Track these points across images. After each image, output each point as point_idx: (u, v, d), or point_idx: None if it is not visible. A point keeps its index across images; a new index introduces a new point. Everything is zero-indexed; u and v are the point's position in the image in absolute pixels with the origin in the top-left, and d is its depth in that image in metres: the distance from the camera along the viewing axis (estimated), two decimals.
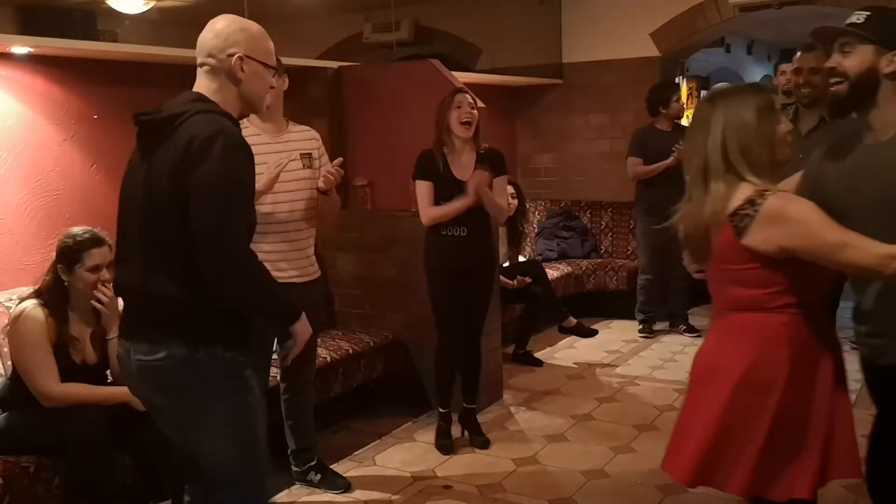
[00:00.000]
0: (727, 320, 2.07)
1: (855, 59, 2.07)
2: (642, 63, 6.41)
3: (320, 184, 3.18)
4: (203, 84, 2.13)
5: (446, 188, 3.65)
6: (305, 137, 3.28)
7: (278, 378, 3.43)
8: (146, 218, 2.03)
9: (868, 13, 2.08)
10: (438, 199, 3.67)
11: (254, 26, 2.16)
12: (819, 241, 1.86)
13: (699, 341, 5.84)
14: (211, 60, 2.11)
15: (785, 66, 5.54)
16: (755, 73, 11.43)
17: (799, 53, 3.57)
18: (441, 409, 3.93)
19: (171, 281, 1.99)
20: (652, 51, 6.42)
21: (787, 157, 2.02)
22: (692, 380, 2.16)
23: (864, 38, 2.06)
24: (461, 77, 4.75)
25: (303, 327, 2.21)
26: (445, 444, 3.87)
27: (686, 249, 2.13)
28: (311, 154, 3.27)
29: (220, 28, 2.13)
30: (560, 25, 6.72)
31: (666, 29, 6.37)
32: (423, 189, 3.69)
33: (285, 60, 3.39)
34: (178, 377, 2.04)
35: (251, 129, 3.13)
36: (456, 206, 3.61)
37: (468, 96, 3.70)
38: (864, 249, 1.83)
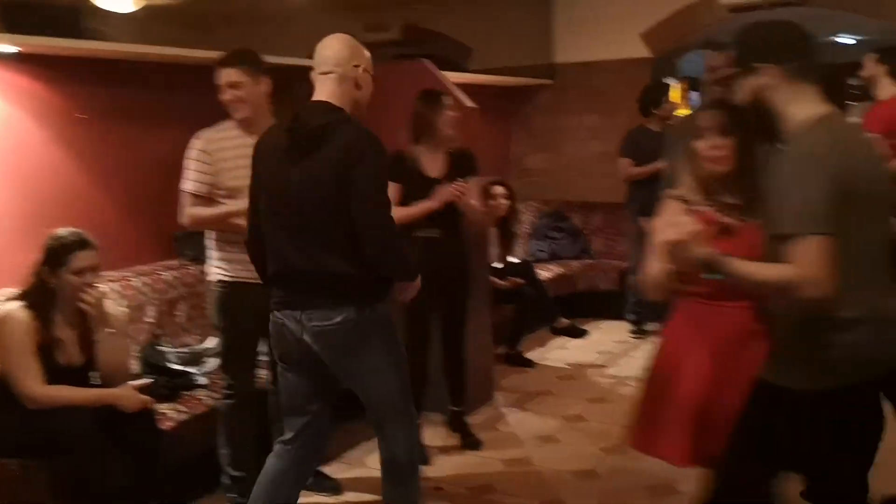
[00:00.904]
0: None
1: None
2: (634, 64, 6.40)
3: None
4: (328, 90, 2.53)
5: (418, 188, 3.65)
6: None
7: (267, 380, 3.39)
8: (310, 210, 2.45)
9: None
10: (410, 200, 3.65)
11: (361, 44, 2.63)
12: None
13: None
14: (339, 69, 2.53)
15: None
16: None
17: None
18: None
19: (339, 259, 2.45)
20: (643, 51, 6.41)
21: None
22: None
23: None
24: (452, 77, 4.73)
25: (417, 281, 2.72)
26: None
27: None
28: None
29: (345, 42, 2.59)
30: (551, 26, 6.71)
31: (657, 30, 6.35)
32: (390, 191, 3.66)
33: (274, 60, 3.36)
34: (352, 335, 2.49)
35: (233, 131, 3.12)
36: (420, 208, 3.62)
37: (450, 100, 3.76)
38: None
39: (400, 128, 3.90)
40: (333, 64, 2.55)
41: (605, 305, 6.20)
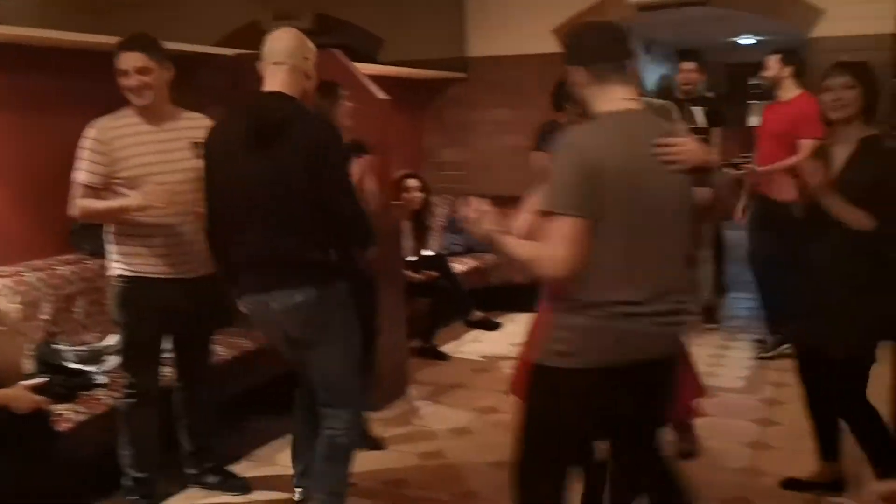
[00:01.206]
0: None
1: None
2: (546, 59, 6.44)
3: None
4: (280, 80, 2.66)
5: None
6: (196, 125, 3.11)
7: (172, 377, 3.28)
8: (273, 196, 2.56)
9: None
10: None
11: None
12: None
13: None
14: (291, 60, 2.67)
15: (684, 65, 5.75)
16: (653, 71, 11.73)
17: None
18: None
19: (302, 242, 2.61)
20: (555, 47, 6.47)
21: None
22: None
23: None
24: (364, 68, 4.66)
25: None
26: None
27: None
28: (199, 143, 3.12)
29: (296, 35, 2.74)
30: (464, 19, 6.71)
31: (568, 25, 6.43)
32: None
33: (177, 46, 3.24)
34: (314, 313, 2.65)
35: (131, 119, 2.99)
36: None
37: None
38: None
39: None
40: (286, 55, 2.68)
41: (520, 298, 6.22)
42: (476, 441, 3.91)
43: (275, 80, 2.67)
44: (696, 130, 5.57)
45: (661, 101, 3.80)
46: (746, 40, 10.78)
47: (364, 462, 3.63)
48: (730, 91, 11.43)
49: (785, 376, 4.67)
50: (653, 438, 2.35)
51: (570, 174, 2.02)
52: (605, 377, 2.10)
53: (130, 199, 2.92)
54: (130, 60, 2.94)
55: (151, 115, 3.01)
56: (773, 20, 5.92)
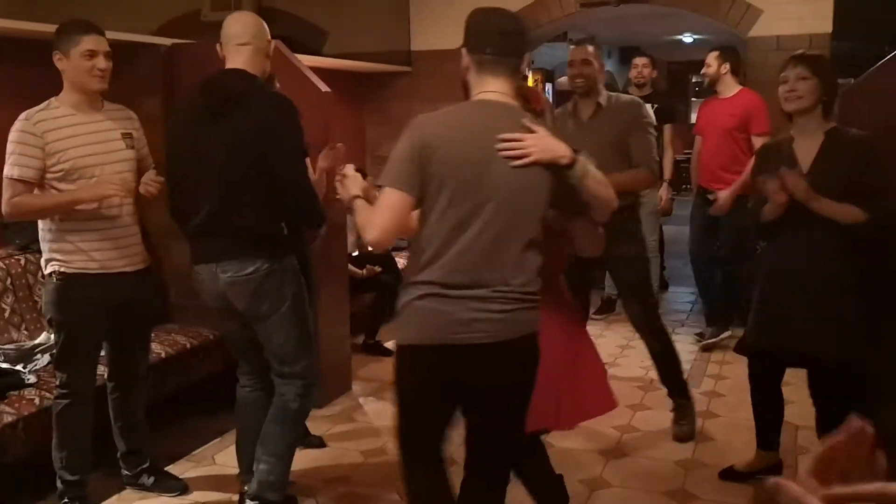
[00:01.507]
0: None
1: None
2: None
3: (143, 191, 3.00)
4: (243, 59, 2.75)
5: None
6: (123, 116, 3.04)
7: (105, 376, 3.18)
8: (229, 168, 2.63)
9: None
10: None
11: None
12: None
13: None
14: (255, 42, 2.77)
15: (637, 60, 5.82)
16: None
17: (572, 47, 3.74)
18: None
19: (255, 214, 2.70)
20: None
21: None
22: None
23: None
24: (306, 60, 4.59)
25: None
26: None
27: None
28: (131, 134, 3.03)
29: (257, 18, 2.85)
30: (409, 13, 6.67)
31: None
32: None
33: (110, 35, 3.14)
34: (263, 285, 2.73)
35: (64, 109, 2.88)
36: None
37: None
38: None
39: None
40: (251, 36, 2.78)
41: None
42: None
43: (238, 59, 2.76)
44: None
45: (628, 97, 3.83)
46: (687, 39, 10.96)
47: (306, 460, 3.59)
48: (671, 89, 11.64)
49: (724, 369, 4.77)
50: (503, 435, 2.32)
51: (402, 152, 2.09)
52: (430, 354, 2.16)
53: (82, 190, 2.81)
54: (102, 44, 2.85)
55: (87, 105, 2.90)
56: (712, 19, 6.01)
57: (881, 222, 2.83)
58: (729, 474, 3.37)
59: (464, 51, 2.21)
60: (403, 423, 2.33)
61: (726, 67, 5.05)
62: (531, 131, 2.10)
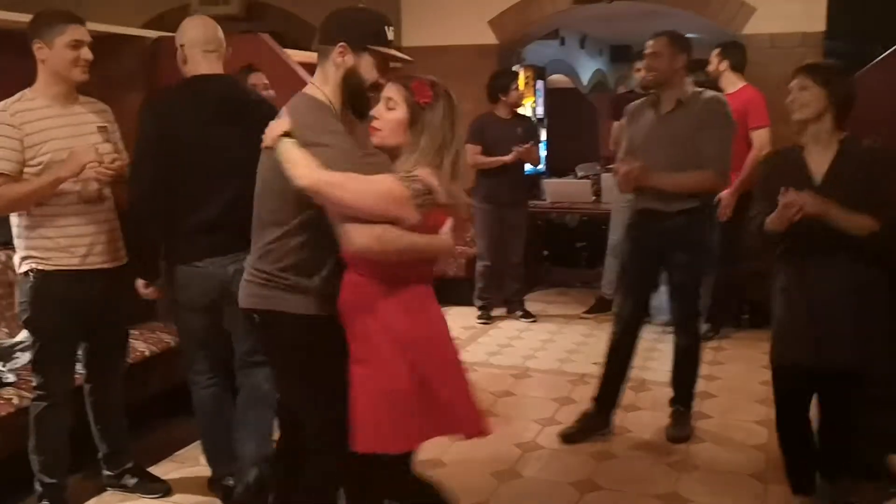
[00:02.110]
0: None
1: None
2: (480, 50, 6.41)
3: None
4: (217, 66, 2.92)
5: None
6: (97, 110, 2.96)
7: (83, 378, 3.11)
8: (245, 164, 2.50)
9: None
10: None
11: None
12: None
13: (535, 326, 5.98)
14: (221, 49, 2.94)
15: (638, 64, 5.73)
16: (587, 66, 11.82)
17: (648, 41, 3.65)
18: None
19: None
20: (490, 38, 6.44)
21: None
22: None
23: None
24: (296, 56, 4.54)
25: None
26: None
27: None
28: (106, 127, 2.95)
29: (216, 24, 2.97)
30: (399, 8, 6.61)
31: (504, 17, 6.40)
32: None
33: (92, 27, 3.07)
34: None
35: (41, 101, 2.80)
36: None
37: (260, 76, 3.64)
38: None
39: None
40: (219, 44, 2.92)
41: (453, 291, 6.18)
42: None
43: (211, 65, 2.88)
44: None
45: (712, 94, 3.65)
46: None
47: None
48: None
49: (715, 369, 4.74)
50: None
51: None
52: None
53: (59, 167, 2.72)
54: (86, 34, 2.79)
55: (63, 97, 2.83)
56: (705, 17, 5.97)
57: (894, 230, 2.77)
58: None
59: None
60: None
61: (725, 65, 5.02)
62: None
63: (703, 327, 5.15)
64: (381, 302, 2.19)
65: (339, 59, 2.28)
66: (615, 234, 5.84)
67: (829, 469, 3.04)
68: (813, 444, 3.06)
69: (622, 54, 11.65)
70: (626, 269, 3.82)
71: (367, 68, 2.30)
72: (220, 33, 2.93)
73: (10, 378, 3.11)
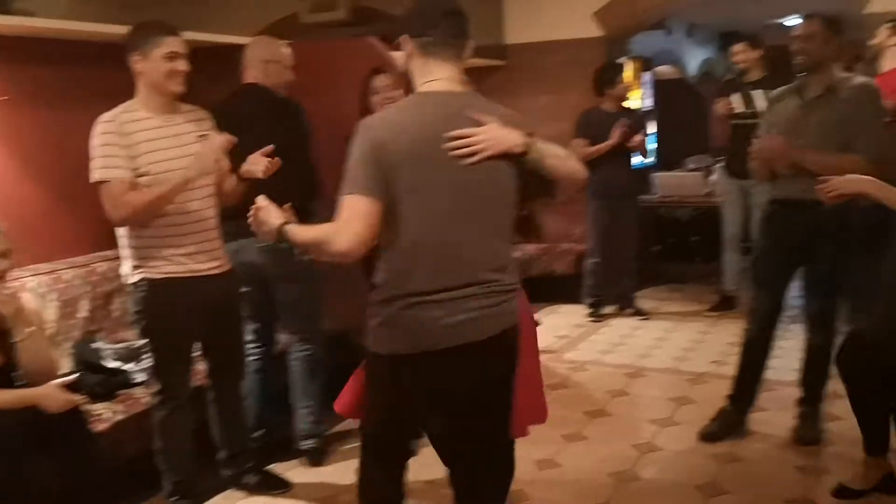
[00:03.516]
0: None
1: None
2: (586, 44, 6.30)
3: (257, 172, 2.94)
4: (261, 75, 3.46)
5: None
6: (197, 118, 2.99)
7: (205, 378, 3.20)
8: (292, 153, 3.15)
9: None
10: None
11: None
12: None
13: (648, 324, 5.84)
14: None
15: (735, 47, 5.52)
16: (695, 56, 11.46)
17: (800, 21, 3.49)
18: None
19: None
20: (595, 31, 6.32)
21: None
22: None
23: None
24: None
25: None
26: None
27: None
28: (207, 135, 2.93)
29: None
30: (501, 6, 6.57)
31: (609, 9, 6.27)
32: None
33: (207, 38, 3.17)
34: (293, 254, 2.66)
35: (143, 112, 2.84)
36: None
37: (384, 77, 3.61)
38: None
39: (353, 112, 3.82)
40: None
41: (561, 289, 6.11)
42: (523, 439, 3.79)
43: (258, 75, 3.47)
44: (756, 114, 5.29)
45: (863, 80, 3.50)
46: (792, 22, 10.47)
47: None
48: (773, 73, 11.15)
49: None
50: (489, 450, 2.25)
51: (357, 158, 1.99)
52: (412, 363, 2.06)
53: (188, 169, 2.75)
54: (183, 45, 2.82)
55: (164, 108, 2.87)
56: None
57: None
58: (843, 492, 3.11)
59: (405, 38, 2.09)
60: (370, 429, 2.28)
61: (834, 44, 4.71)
62: (480, 124, 2.03)
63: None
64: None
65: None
66: (732, 227, 5.63)
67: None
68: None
69: (732, 41, 11.25)
70: (761, 263, 3.66)
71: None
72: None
73: (141, 378, 3.24)
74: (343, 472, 3.42)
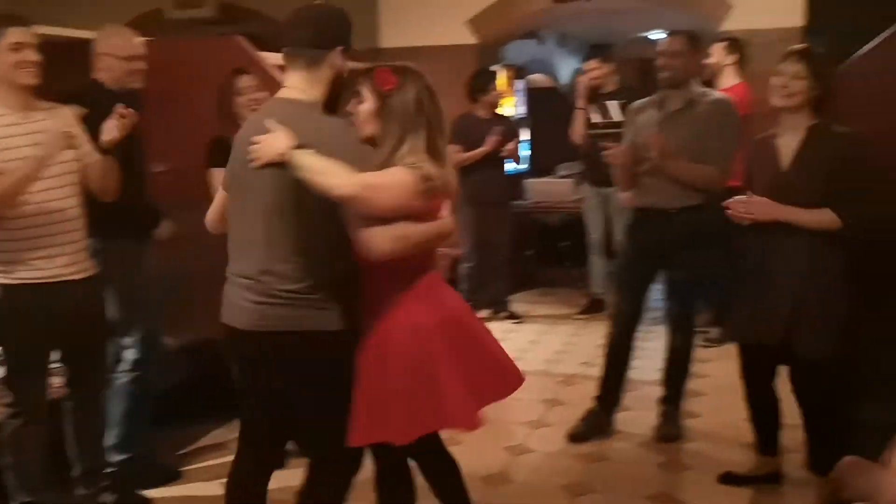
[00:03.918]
0: None
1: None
2: (459, 50, 6.36)
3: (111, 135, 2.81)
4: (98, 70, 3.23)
5: None
6: (61, 115, 2.84)
7: (62, 392, 3.01)
8: None
9: None
10: None
11: None
12: None
13: (521, 327, 5.93)
14: None
15: (588, 63, 5.74)
16: (567, 65, 11.79)
17: (665, 38, 3.61)
18: None
19: None
20: (468, 38, 6.39)
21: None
22: None
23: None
24: (272, 58, 4.46)
25: None
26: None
27: None
28: (71, 132, 2.81)
29: None
30: (377, 9, 6.55)
31: (482, 17, 6.35)
32: (218, 178, 3.42)
33: (59, 32, 2.99)
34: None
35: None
36: None
37: (250, 78, 3.49)
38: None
39: (212, 107, 3.67)
40: None
41: None
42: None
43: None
44: (613, 125, 5.57)
45: (720, 95, 3.70)
46: (658, 35, 10.94)
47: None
48: (642, 85, 11.63)
49: (705, 367, 4.70)
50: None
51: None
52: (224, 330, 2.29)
53: (31, 158, 2.62)
54: (28, 36, 2.69)
55: (20, 105, 2.72)
56: (683, 13, 5.96)
57: (860, 227, 2.78)
58: (728, 478, 3.28)
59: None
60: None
61: (732, 59, 4.96)
62: (268, 132, 2.11)
63: (714, 332, 5.12)
64: (396, 296, 2.23)
65: (339, 62, 2.27)
66: (595, 233, 5.83)
67: (818, 464, 3.05)
68: (777, 411, 3.18)
69: (601, 53, 11.66)
70: (624, 269, 3.78)
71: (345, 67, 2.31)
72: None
73: None
74: (209, 487, 3.31)
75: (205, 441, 3.74)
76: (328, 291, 2.17)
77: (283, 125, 2.09)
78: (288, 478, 3.42)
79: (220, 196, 2.42)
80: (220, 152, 3.40)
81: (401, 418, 2.22)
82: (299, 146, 2.06)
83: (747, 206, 2.85)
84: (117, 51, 3.22)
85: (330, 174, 2.03)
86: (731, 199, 2.91)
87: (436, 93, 2.27)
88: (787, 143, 2.90)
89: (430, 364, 2.21)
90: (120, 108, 2.83)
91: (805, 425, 3.10)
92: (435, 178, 2.14)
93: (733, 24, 5.62)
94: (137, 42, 3.29)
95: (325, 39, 2.23)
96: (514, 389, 2.44)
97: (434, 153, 2.19)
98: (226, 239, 2.34)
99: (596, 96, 5.67)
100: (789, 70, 2.83)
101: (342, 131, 2.21)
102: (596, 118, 5.59)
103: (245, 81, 3.46)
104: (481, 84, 5.66)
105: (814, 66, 2.82)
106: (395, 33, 6.51)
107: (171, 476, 3.43)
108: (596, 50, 5.81)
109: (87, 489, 3.06)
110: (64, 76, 2.96)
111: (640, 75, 5.81)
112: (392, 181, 2.09)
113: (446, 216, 2.29)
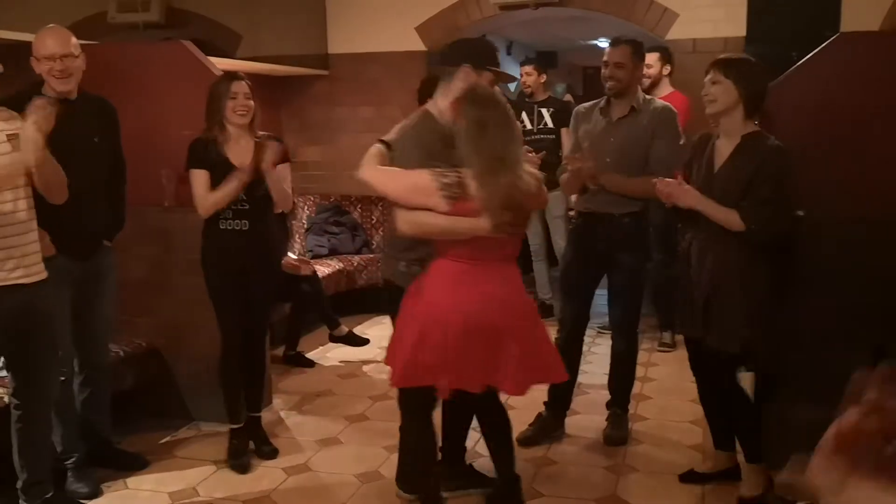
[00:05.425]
0: None
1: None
2: (408, 57, 6.37)
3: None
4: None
5: (223, 176, 3.38)
6: (4, 118, 2.79)
7: (6, 399, 2.93)
8: None
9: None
10: (215, 188, 3.42)
11: None
12: None
13: None
14: None
15: (523, 69, 5.87)
16: (515, 72, 11.88)
17: (608, 48, 3.67)
18: (233, 426, 3.64)
19: None
20: (418, 45, 6.40)
21: None
22: None
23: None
24: (220, 63, 4.41)
25: None
26: (242, 463, 3.56)
27: None
28: (17, 135, 2.76)
29: None
30: (325, 15, 6.52)
31: (431, 23, 6.37)
32: (199, 178, 3.41)
33: (4, 35, 2.92)
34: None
35: None
36: (232, 185, 3.36)
37: (244, 84, 3.45)
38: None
39: (165, 116, 3.78)
40: None
41: (376, 301, 6.11)
42: (346, 451, 3.75)
43: None
44: (545, 130, 5.72)
45: (663, 104, 3.77)
46: (603, 43, 11.10)
47: (223, 480, 3.42)
48: (586, 93, 11.78)
49: (650, 371, 4.79)
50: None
51: None
52: None
53: (17, 157, 2.64)
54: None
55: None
56: (629, 23, 6.05)
57: (763, 232, 2.90)
58: (689, 477, 3.34)
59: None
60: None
61: (668, 69, 5.08)
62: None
63: (666, 336, 5.21)
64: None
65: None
66: (535, 239, 5.89)
67: (721, 443, 3.32)
68: (729, 405, 3.22)
69: (549, 60, 11.81)
70: (569, 273, 3.83)
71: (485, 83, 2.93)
72: None
73: None
74: (158, 488, 3.26)
75: (151, 450, 3.68)
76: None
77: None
78: (281, 479, 3.40)
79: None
80: (199, 153, 3.39)
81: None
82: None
83: (672, 189, 3.00)
84: (35, 51, 3.10)
85: (364, 164, 2.74)
86: (662, 179, 3.06)
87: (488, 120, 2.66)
88: (724, 147, 3.02)
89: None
90: (37, 101, 2.76)
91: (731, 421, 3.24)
92: (462, 186, 2.56)
93: (678, 33, 5.73)
94: (55, 42, 3.08)
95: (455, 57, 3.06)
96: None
97: (490, 169, 2.59)
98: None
99: (530, 103, 5.79)
100: (707, 78, 2.98)
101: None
102: (528, 124, 5.71)
103: (238, 87, 3.41)
104: (430, 91, 5.65)
105: (735, 73, 2.91)
106: (344, 39, 6.49)
107: (139, 464, 3.53)
108: (536, 58, 5.94)
109: (30, 500, 2.99)
110: (6, 80, 2.89)
111: (585, 83, 5.91)
112: (400, 179, 2.66)
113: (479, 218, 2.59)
